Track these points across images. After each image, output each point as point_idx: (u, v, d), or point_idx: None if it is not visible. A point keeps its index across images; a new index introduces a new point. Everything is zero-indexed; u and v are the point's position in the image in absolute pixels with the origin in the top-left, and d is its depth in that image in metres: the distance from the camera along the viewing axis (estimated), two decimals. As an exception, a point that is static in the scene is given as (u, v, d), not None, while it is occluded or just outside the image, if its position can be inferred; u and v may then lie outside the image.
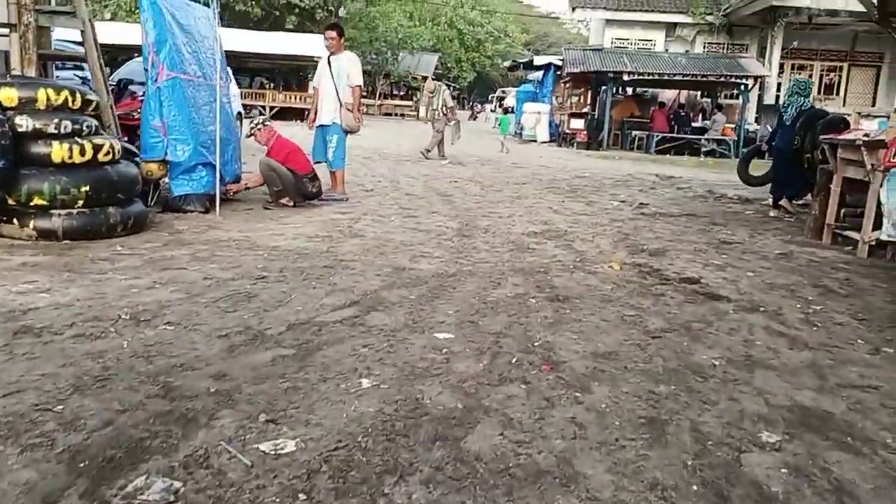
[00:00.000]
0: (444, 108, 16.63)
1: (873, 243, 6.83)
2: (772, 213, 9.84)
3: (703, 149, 21.55)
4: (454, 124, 17.34)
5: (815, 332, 4.25)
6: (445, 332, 3.80)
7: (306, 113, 31.22)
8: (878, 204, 6.69)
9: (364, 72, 31.78)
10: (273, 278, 4.67)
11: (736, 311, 4.59)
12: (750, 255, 6.67)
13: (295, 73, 38.37)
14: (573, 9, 25.49)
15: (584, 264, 5.75)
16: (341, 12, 36.64)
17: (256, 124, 7.42)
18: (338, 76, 8.42)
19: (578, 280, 5.19)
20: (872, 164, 6.74)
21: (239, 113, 17.63)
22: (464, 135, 27.76)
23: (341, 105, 8.39)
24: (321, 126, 8.64)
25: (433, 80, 19.47)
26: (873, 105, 24.78)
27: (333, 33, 8.49)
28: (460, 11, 60.91)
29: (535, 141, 24.75)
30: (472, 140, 25.37)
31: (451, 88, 18.28)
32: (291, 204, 7.56)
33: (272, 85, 39.21)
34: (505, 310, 4.29)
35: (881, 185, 6.61)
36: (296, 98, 32.30)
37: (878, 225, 6.76)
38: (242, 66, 35.46)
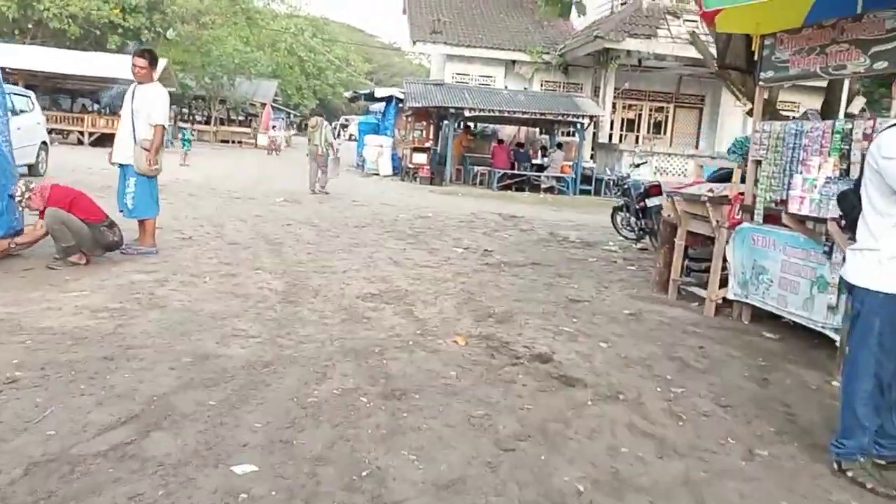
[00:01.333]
0: (325, 144, 17.01)
1: (720, 302, 6.63)
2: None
3: (543, 185, 21.78)
4: (334, 160, 17.57)
5: (682, 428, 3.77)
6: (247, 462, 2.95)
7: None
8: (724, 261, 6.51)
9: (198, 97, 30.30)
10: (28, 382, 3.62)
11: (595, 402, 4.04)
12: (600, 316, 6.26)
13: (120, 96, 35.69)
14: (414, 42, 25.23)
15: (425, 338, 5.06)
16: (170, 34, 34.55)
17: (22, 194, 6.18)
18: (137, 110, 7.32)
19: (419, 363, 4.48)
20: (717, 221, 6.56)
21: (44, 142, 15.79)
22: (301, 168, 26.81)
23: (135, 143, 7.30)
24: (120, 166, 7.49)
25: (316, 115, 18.76)
26: (696, 145, 26.21)
27: (142, 61, 7.38)
28: (301, 38, 59.79)
29: (377, 174, 24.14)
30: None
31: (325, 120, 18.07)
32: (83, 262, 6.38)
33: (96, 108, 36.34)
34: (329, 418, 3.50)
35: (727, 243, 6.42)
36: (116, 123, 29.87)
37: (724, 282, 6.58)
38: (60, 87, 32.62)
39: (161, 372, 3.90)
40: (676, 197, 7.41)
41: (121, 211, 7.59)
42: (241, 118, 49.42)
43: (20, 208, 6.10)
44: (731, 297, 6.45)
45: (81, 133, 28.10)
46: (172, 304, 5.32)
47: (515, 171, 21.72)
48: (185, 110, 48.91)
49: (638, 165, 13.19)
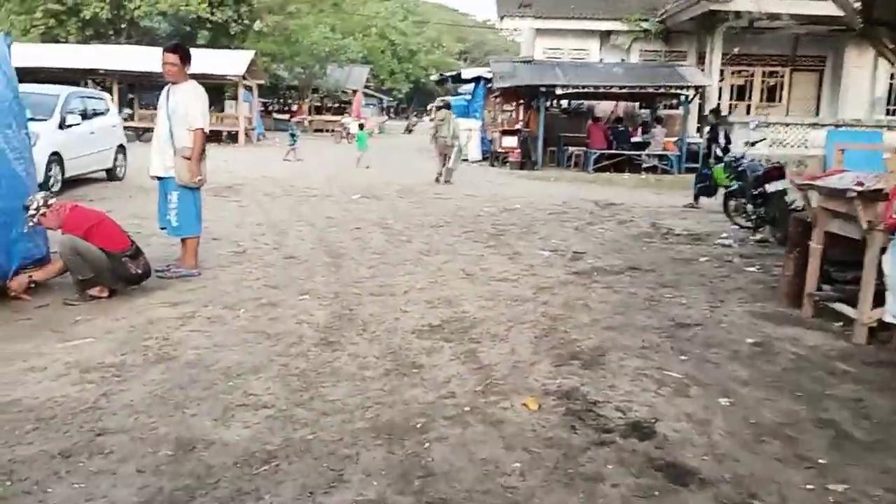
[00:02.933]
0: (452, 137, 16.90)
1: (874, 324, 5.19)
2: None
3: (644, 165, 20.13)
4: (457, 152, 17.18)
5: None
6: None
7: (224, 135, 29.01)
8: (879, 273, 5.07)
9: (291, 87, 29.97)
10: (-61, 503, 2.73)
11: (717, 520, 2.82)
12: (717, 349, 4.97)
13: (210, 91, 36.01)
14: (501, 18, 23.89)
15: (487, 398, 3.95)
16: (257, 25, 34.46)
17: (37, 208, 5.36)
18: (174, 113, 6.47)
19: (473, 446, 3.37)
20: (869, 222, 5.10)
21: (121, 146, 15.48)
22: (392, 155, 26.01)
23: (175, 153, 6.44)
24: (159, 179, 6.68)
25: (442, 107, 18.03)
26: (816, 112, 23.78)
27: (173, 56, 6.51)
28: (392, 21, 59.25)
29: (466, 160, 23.01)
30: (402, 161, 23.57)
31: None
32: (105, 295, 5.58)
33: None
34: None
35: (883, 251, 4.97)
36: (212, 119, 29.97)
37: (878, 298, 5.14)
38: (155, 85, 33.03)
39: (123, 477, 2.95)
40: (812, 190, 5.96)
41: (163, 228, 6.82)
42: (334, 106, 49.40)
43: (30, 223, 5.31)
44: (889, 319, 5.00)
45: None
46: (184, 356, 4.40)
47: (613, 151, 20.15)
48: (278, 102, 49.30)
49: (754, 143, 11.53)
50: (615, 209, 12.99)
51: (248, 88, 30.04)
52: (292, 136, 22.81)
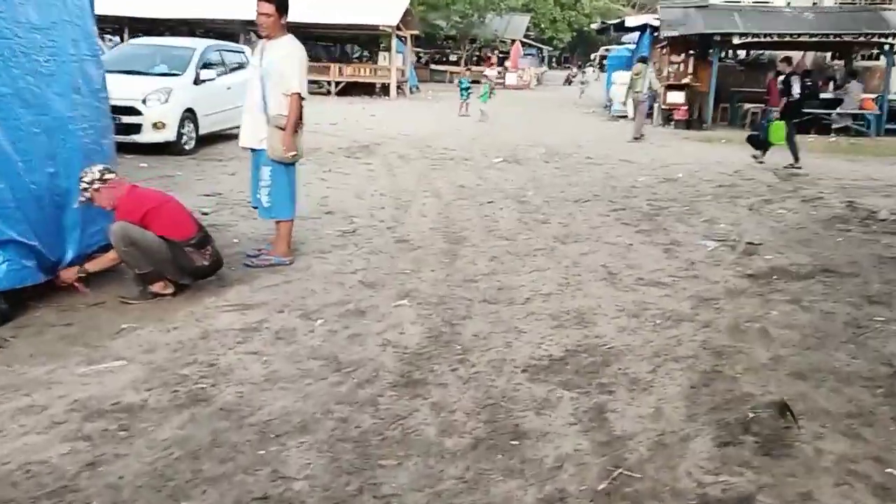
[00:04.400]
0: (648, 91, 16.29)
1: None
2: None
3: (835, 125, 17.43)
4: (643, 106, 16.38)
5: None
6: None
7: (377, 87, 28.50)
8: None
9: (449, 38, 29.12)
10: None
11: None
12: (964, 426, 3.40)
13: (365, 43, 35.71)
14: (672, -44, 21.43)
15: (612, 506, 2.69)
16: (412, -28, 33.39)
17: (92, 181, 4.53)
18: (268, 74, 5.49)
19: None
20: None
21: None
22: (545, 111, 24.31)
23: (269, 121, 5.48)
24: (252, 151, 5.77)
25: (639, 62, 16.93)
26: None
27: (268, 6, 5.47)
28: (554, -36, 56.62)
29: (625, 117, 21.06)
30: (555, 118, 21.99)
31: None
32: (170, 291, 4.75)
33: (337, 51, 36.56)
34: None
35: None
36: (364, 71, 29.54)
37: None
38: (314, 37, 33.00)
39: None
40: None
41: (255, 207, 5.96)
42: (491, 57, 47.96)
43: (81, 199, 4.53)
44: None
45: (329, 83, 28.04)
46: (222, 396, 3.43)
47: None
48: (436, 53, 48.46)
49: None
50: (799, 181, 11.00)
51: (402, 39, 29.24)
52: (466, 90, 21.52)
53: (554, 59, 79.92)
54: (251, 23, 7.29)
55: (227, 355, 3.89)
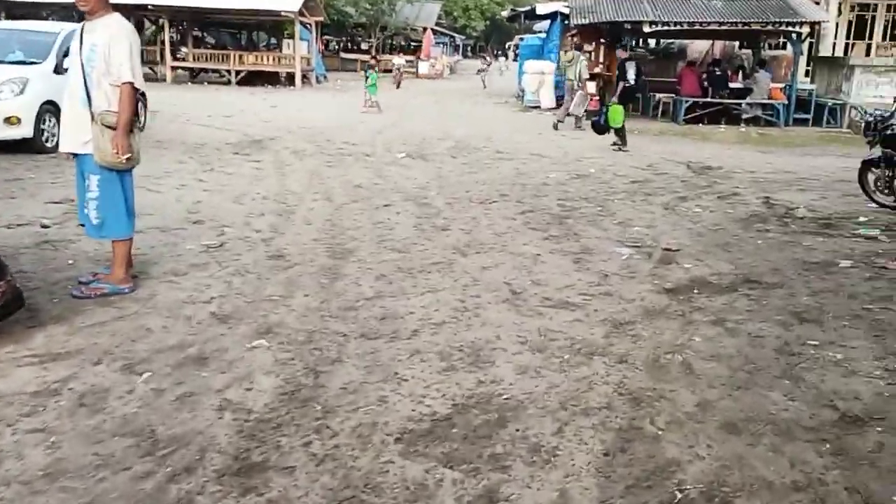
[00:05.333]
0: (578, 79, 16.11)
1: None
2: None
3: (744, 115, 17.30)
4: (581, 95, 16.28)
5: None
6: None
7: (283, 77, 27.18)
8: None
9: (358, 25, 28.04)
10: None
11: None
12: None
13: (271, 31, 34.20)
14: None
15: None
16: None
17: None
18: (89, 61, 4.48)
19: None
20: None
21: (142, 94, 13.71)
22: (456, 101, 23.56)
23: (94, 119, 4.47)
24: (75, 156, 4.74)
25: (573, 49, 16.29)
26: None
27: (84, -25, 4.47)
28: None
29: (538, 107, 20.55)
30: (466, 109, 21.26)
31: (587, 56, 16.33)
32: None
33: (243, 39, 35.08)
34: None
35: None
36: (267, 59, 28.11)
37: None
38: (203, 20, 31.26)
39: None
40: None
41: (81, 225, 4.94)
42: (403, 45, 46.97)
43: None
44: None
45: (228, 72, 26.53)
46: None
47: (708, 99, 17.34)
48: (346, 42, 47.13)
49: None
50: (713, 176, 10.57)
51: (306, 26, 27.97)
52: (372, 85, 20.28)
53: (469, 48, 79.49)
54: (141, 7, 6.18)
55: (1, 436, 2.92)
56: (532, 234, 6.81)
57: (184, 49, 28.57)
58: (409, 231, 6.72)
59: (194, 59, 27.31)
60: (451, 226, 6.99)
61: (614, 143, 12.96)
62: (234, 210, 7.25)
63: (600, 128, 13.08)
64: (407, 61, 36.11)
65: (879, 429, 3.30)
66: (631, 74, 13.05)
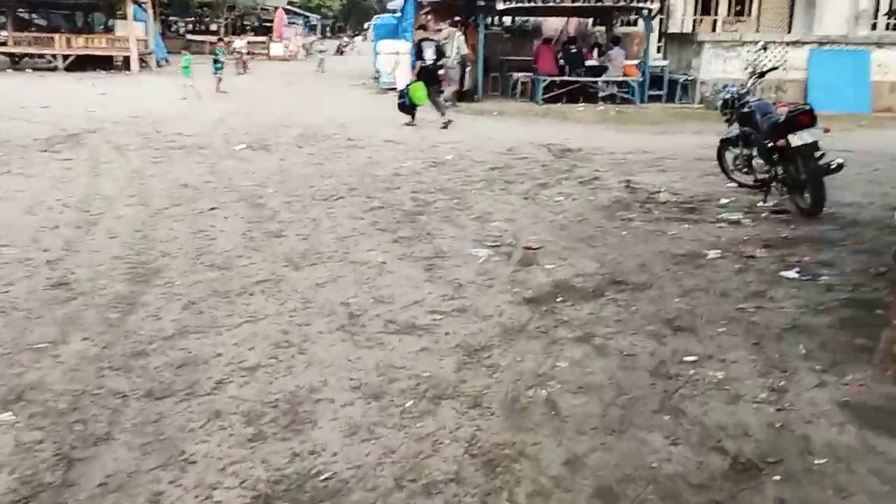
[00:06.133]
0: (456, 56, 15.50)
1: None
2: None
3: (601, 93, 17.18)
4: (455, 72, 15.76)
5: None
6: None
7: (118, 60, 24.93)
8: None
9: (204, 5, 26.09)
10: None
11: None
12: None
13: (106, 11, 31.45)
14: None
15: None
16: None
17: None
18: None
19: None
20: None
21: None
22: (309, 84, 22.26)
23: None
24: None
25: (449, 25, 15.16)
26: (789, 30, 21.01)
27: None
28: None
29: (394, 89, 19.69)
30: (319, 91, 20.13)
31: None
32: None
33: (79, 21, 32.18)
34: None
35: None
36: (99, 42, 25.74)
37: None
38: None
39: None
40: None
41: None
42: (255, 26, 44.79)
43: None
44: None
45: (55, 56, 24.07)
46: None
47: (566, 78, 17.10)
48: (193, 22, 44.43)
49: (763, 74, 8.60)
50: (574, 158, 10.14)
51: (142, 5, 25.79)
52: (216, 63, 18.80)
53: (328, 29, 77.41)
54: None
55: None
56: (380, 236, 6.02)
57: (3, 32, 25.71)
58: (235, 240, 5.77)
59: (15, 44, 24.59)
60: (287, 231, 6.10)
61: (408, 123, 13.04)
62: (22, 223, 6.05)
63: (405, 108, 13.05)
64: (258, 43, 34.34)
65: (777, 477, 2.75)
66: (429, 54, 13.14)
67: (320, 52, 29.50)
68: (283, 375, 3.50)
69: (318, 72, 25.44)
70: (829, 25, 19.81)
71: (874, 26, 20.34)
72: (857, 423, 3.14)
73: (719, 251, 5.71)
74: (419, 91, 12.91)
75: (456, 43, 15.66)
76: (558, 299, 4.63)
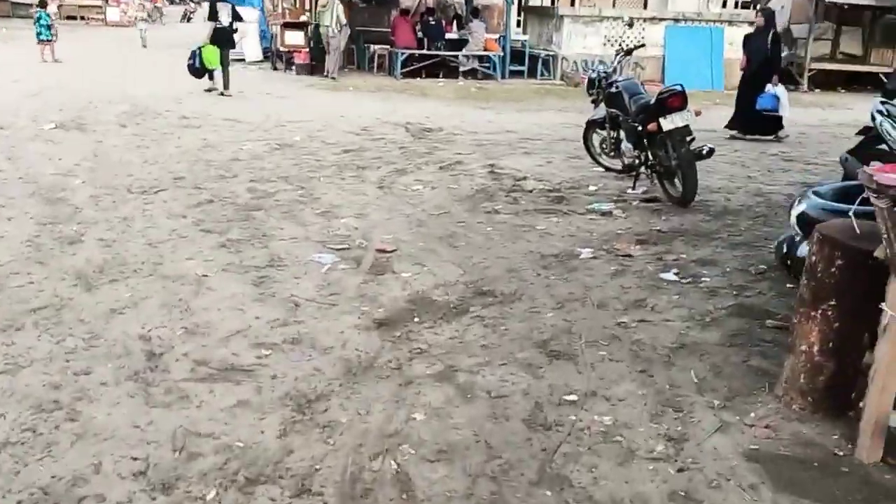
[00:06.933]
0: (336, 26, 14.97)
1: None
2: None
3: (462, 68, 16.57)
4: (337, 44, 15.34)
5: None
6: None
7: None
8: None
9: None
10: None
11: None
12: None
13: None
14: None
15: None
16: None
17: None
18: None
19: None
20: None
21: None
22: (144, 53, 20.06)
23: None
24: None
25: None
26: (644, 6, 21.16)
27: None
28: None
29: (242, 60, 18.25)
30: (155, 60, 18.30)
31: None
32: None
33: None
34: None
35: None
36: None
37: None
38: None
39: None
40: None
41: None
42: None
43: None
44: None
45: None
46: None
47: (425, 52, 16.33)
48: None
49: (630, 52, 8.15)
50: (434, 139, 9.43)
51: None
52: (46, 28, 16.39)
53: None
54: None
55: None
56: (203, 240, 5.04)
57: None
58: (15, 250, 4.63)
59: None
60: (87, 235, 5.00)
61: (209, 89, 12.56)
62: None
63: (196, 71, 12.47)
64: (92, 7, 31.39)
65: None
66: (223, 16, 12.61)
67: (142, 20, 25.75)
68: (38, 458, 2.55)
69: (141, 38, 22.31)
70: (682, 2, 20.08)
71: (725, 3, 20.85)
72: (770, 483, 2.58)
73: (592, 250, 5.16)
74: (211, 54, 12.28)
75: (335, 11, 14.98)
76: (415, 319, 3.89)
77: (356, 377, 3.24)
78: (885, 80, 10.91)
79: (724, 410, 3.06)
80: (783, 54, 10.28)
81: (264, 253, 4.82)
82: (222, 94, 12.45)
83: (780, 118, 10.09)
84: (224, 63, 12.47)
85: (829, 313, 2.94)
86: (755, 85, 10.01)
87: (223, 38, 12.58)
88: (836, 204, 3.36)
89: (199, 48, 12.37)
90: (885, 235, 2.54)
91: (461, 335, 3.72)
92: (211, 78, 12.62)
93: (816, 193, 3.60)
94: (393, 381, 3.22)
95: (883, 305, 2.62)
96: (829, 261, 2.92)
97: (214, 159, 7.63)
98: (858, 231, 2.66)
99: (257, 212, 5.78)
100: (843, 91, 17.42)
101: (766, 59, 9.93)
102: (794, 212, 3.61)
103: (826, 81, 17.51)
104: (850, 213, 2.64)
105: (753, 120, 10.04)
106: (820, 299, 2.96)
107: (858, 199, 2.61)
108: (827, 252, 2.93)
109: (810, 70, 17.23)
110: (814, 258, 2.99)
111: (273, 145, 8.51)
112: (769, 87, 9.99)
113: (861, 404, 2.84)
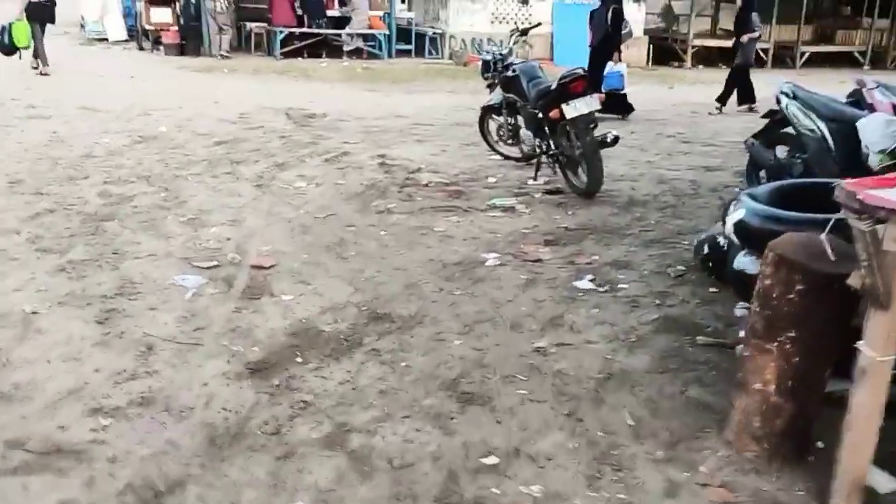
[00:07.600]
0: (225, 3, 14.48)
1: None
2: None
3: (346, 47, 15.74)
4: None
5: None
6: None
7: None
8: None
9: None
10: None
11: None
12: None
13: None
14: None
15: None
16: None
17: None
18: None
19: None
20: None
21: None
22: None
23: None
24: None
25: None
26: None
27: None
28: None
29: (105, 39, 16.76)
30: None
31: None
32: None
33: None
34: None
35: None
36: None
37: None
38: None
39: None
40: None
41: None
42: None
43: None
44: None
45: None
46: None
47: (306, 30, 15.39)
48: None
49: (525, 32, 7.65)
50: (319, 127, 8.70)
51: None
52: None
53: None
54: None
55: None
56: (38, 262, 4.19)
57: None
58: None
59: None
60: None
61: (34, 67, 11.73)
62: None
63: (5, 48, 11.42)
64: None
65: None
66: None
67: None
68: None
69: None
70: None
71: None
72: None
73: (498, 255, 4.63)
74: (23, 33, 11.19)
75: None
76: (297, 359, 3.23)
77: (221, 451, 2.57)
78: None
79: (670, 465, 2.59)
80: (624, 31, 9.81)
81: (114, 277, 4.02)
82: (41, 72, 11.53)
83: (625, 96, 9.78)
84: (36, 37, 11.38)
85: (787, 346, 2.50)
86: (596, 62, 9.55)
87: (40, 14, 11.43)
88: (779, 211, 2.94)
89: (10, 24, 11.15)
90: (866, 263, 2.08)
91: (354, 378, 3.10)
92: (31, 57, 11.62)
93: (752, 196, 3.16)
94: (269, 454, 2.56)
95: (860, 345, 2.18)
96: (787, 285, 2.47)
97: (63, 157, 6.65)
98: (833, 258, 2.19)
99: (109, 222, 4.93)
100: (723, 67, 17.65)
101: (606, 34, 9.51)
102: (730, 219, 3.17)
103: (707, 57, 17.72)
104: (823, 238, 2.16)
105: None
106: (776, 329, 2.52)
107: (832, 222, 2.14)
108: (784, 275, 2.48)
109: (693, 47, 17.37)
110: (768, 282, 2.53)
111: (135, 138, 7.57)
112: (610, 65, 9.64)
113: (819, 444, 2.44)
